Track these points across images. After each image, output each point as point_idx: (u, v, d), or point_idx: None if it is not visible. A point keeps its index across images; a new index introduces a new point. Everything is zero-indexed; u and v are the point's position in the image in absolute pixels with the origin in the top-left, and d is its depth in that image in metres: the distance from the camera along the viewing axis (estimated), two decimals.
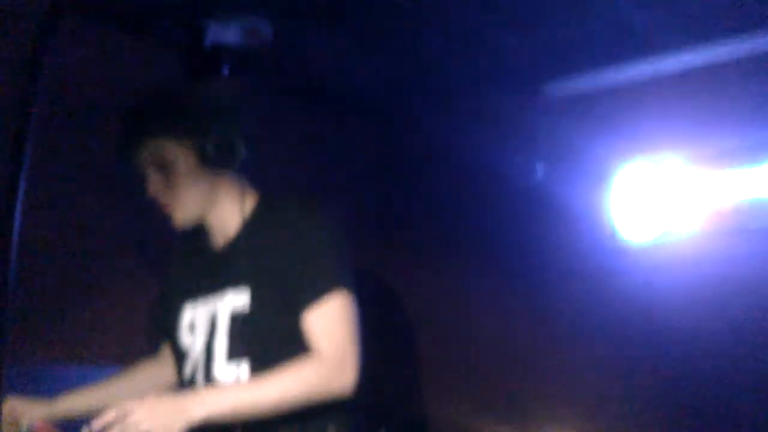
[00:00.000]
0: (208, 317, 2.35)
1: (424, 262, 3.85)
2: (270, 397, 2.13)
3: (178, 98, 2.36)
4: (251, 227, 2.36)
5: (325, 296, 2.21)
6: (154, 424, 1.98)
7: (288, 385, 2.15)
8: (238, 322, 2.28)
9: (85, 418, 2.12)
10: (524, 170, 3.34)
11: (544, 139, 3.33)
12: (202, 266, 2.45)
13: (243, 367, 2.25)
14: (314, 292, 2.21)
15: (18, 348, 2.58)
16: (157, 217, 2.47)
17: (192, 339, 2.38)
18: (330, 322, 2.21)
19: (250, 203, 2.40)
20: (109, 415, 1.96)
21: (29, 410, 2.35)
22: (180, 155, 2.27)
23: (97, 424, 1.95)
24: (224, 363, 2.28)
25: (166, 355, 2.59)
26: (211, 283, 2.37)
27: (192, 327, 2.39)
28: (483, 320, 3.60)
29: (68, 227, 3.07)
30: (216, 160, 2.26)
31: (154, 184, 2.29)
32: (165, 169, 2.28)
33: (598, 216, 3.14)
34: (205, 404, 2.08)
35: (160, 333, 2.60)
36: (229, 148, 2.28)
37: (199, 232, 2.42)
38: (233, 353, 2.27)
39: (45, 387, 2.51)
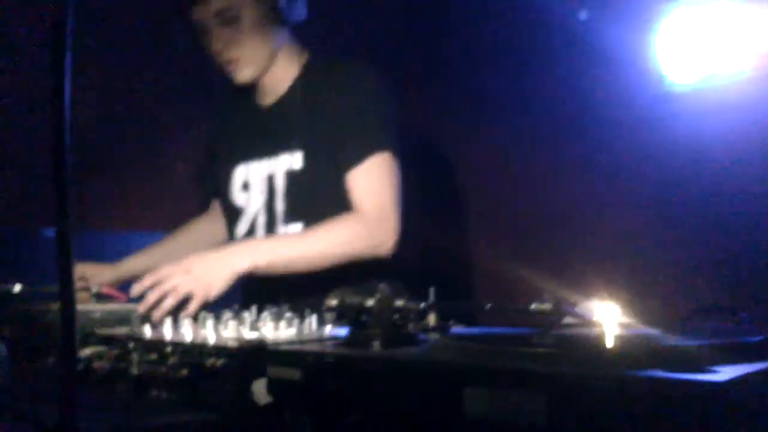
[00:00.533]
0: (265, 178, 2.40)
1: (466, 117, 3.84)
2: (312, 250, 2.17)
3: None
4: (303, 86, 2.38)
5: (369, 156, 2.24)
6: (195, 285, 1.95)
7: (330, 239, 2.19)
8: (294, 184, 2.33)
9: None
10: (568, 16, 3.27)
11: None
12: (252, 124, 2.49)
13: (299, 228, 2.31)
14: (358, 152, 2.25)
15: (80, 216, 2.72)
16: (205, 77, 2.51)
17: (247, 197, 2.44)
18: (372, 182, 2.25)
19: (300, 61, 2.42)
20: (146, 280, 1.95)
21: (97, 274, 2.46)
22: (248, 9, 2.28)
23: (136, 289, 1.95)
24: (282, 225, 2.35)
25: (216, 211, 2.68)
26: (263, 143, 2.42)
27: (246, 186, 2.45)
28: (527, 175, 3.62)
29: (122, 99, 3.14)
30: (281, 16, 2.29)
31: (220, 39, 2.29)
32: (232, 23, 2.27)
33: (644, 61, 3.08)
34: (247, 255, 2.09)
35: (210, 190, 2.68)
36: (294, 3, 2.30)
37: (244, 90, 2.44)
38: (291, 215, 2.34)
39: (106, 252, 2.62)
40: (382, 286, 1.30)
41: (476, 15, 3.83)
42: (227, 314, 1.58)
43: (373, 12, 3.92)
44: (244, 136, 2.51)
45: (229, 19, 2.26)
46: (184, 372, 1.37)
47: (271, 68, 2.39)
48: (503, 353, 1.10)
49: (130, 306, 1.95)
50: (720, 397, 0.90)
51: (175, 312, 1.81)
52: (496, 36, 3.71)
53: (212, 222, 2.72)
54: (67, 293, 1.07)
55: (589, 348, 1.12)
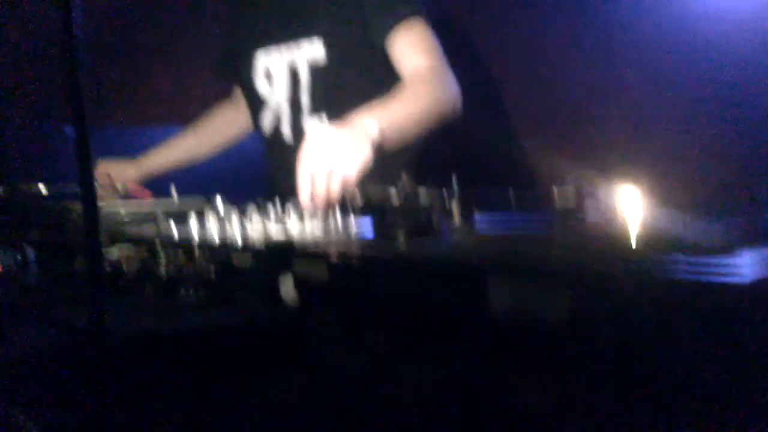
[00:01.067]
0: (287, 68, 2.35)
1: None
2: (414, 114, 2.02)
3: None
4: None
5: (407, 20, 2.19)
6: (346, 158, 1.72)
7: (424, 101, 2.08)
8: (317, 74, 2.29)
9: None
10: None
11: None
12: (271, 8, 2.41)
13: (324, 120, 2.29)
14: (395, 17, 2.19)
15: (98, 112, 2.72)
16: None
17: (270, 89, 2.40)
18: (419, 40, 2.20)
19: None
20: (303, 181, 1.72)
21: (121, 171, 2.47)
22: None
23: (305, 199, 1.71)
24: (307, 116, 2.33)
25: (239, 99, 2.64)
26: (282, 27, 2.36)
27: (269, 76, 2.40)
28: (547, 54, 3.56)
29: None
30: None
31: None
32: None
33: None
34: (379, 122, 1.85)
35: (231, 77, 2.63)
36: None
37: None
38: (315, 106, 2.30)
39: (128, 147, 2.62)
40: (406, 178, 1.30)
41: None
42: (251, 208, 1.59)
43: None
44: (265, 21, 2.43)
45: None
46: (211, 271, 1.38)
47: None
48: (525, 243, 1.10)
49: (155, 203, 1.96)
50: (747, 283, 0.90)
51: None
52: None
53: (236, 110, 2.69)
54: (88, 193, 1.07)
55: (613, 235, 1.12)
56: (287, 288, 1.27)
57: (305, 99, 2.32)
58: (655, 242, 1.02)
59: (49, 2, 2.68)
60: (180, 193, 1.99)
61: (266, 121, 2.42)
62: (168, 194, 1.98)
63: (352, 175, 1.69)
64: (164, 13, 3.19)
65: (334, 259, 1.21)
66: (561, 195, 1.21)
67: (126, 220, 1.79)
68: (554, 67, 3.51)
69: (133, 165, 2.51)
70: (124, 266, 1.53)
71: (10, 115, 2.80)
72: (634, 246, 1.03)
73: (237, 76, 2.54)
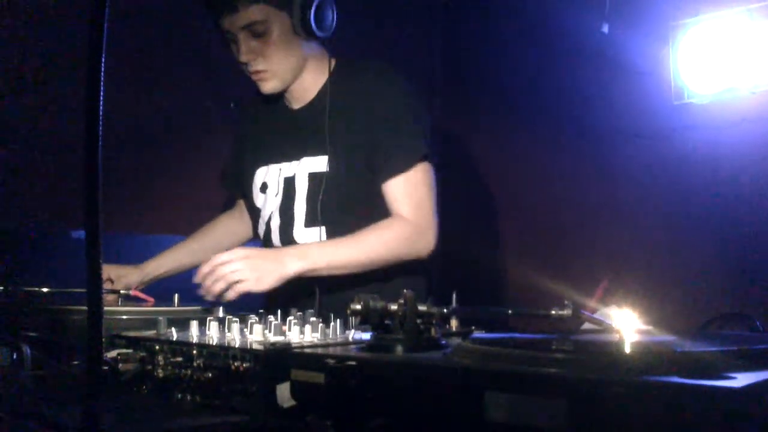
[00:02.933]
0: (283, 180, 2.42)
1: (488, 124, 3.87)
2: (361, 255, 2.23)
3: None
4: (332, 91, 2.38)
5: (411, 167, 2.29)
6: (248, 274, 2.07)
7: (377, 243, 2.25)
8: (317, 186, 2.34)
9: None
10: (590, 28, 3.29)
11: None
12: (279, 128, 2.50)
13: (320, 232, 2.34)
14: (399, 161, 2.29)
15: (116, 218, 2.76)
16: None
17: (264, 199, 2.47)
18: (414, 189, 2.30)
19: (326, 67, 2.42)
20: (206, 266, 2.08)
21: (123, 275, 2.49)
22: (277, 21, 2.28)
23: (198, 277, 2.07)
24: (302, 228, 2.38)
25: (242, 210, 2.70)
26: (288, 147, 2.44)
27: (264, 187, 2.48)
28: (545, 183, 3.65)
29: (148, 107, 3.18)
30: (310, 30, 2.28)
31: (248, 50, 2.30)
32: (260, 36, 2.29)
33: (663, 73, 3.11)
34: (301, 259, 2.16)
35: (235, 190, 2.70)
36: (323, 16, 2.30)
37: (272, 96, 2.46)
38: (312, 218, 2.35)
39: (127, 254, 2.64)
40: (406, 291, 1.33)
41: (500, 27, 3.87)
42: (252, 318, 1.61)
43: (392, 18, 3.96)
44: (270, 139, 2.52)
45: (258, 31, 2.28)
46: (209, 375, 1.39)
47: (300, 78, 2.41)
48: (524, 358, 1.12)
49: (157, 309, 1.97)
50: (736, 404, 0.92)
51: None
52: (519, 47, 3.74)
53: (238, 220, 2.75)
54: (95, 295, 1.08)
55: (607, 354, 1.14)
56: (282, 393, 1.28)
57: (299, 209, 2.38)
58: (650, 364, 1.04)
59: (67, 106, 2.76)
60: (183, 301, 2.01)
61: (260, 232, 2.50)
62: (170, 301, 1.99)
63: (250, 287, 2.07)
64: (174, 130, 3.28)
65: (331, 368, 1.22)
66: (560, 315, 1.24)
67: (126, 322, 1.80)
68: (557, 197, 3.59)
69: (135, 270, 2.54)
70: (122, 367, 1.54)
71: (18, 218, 2.84)
72: (629, 366, 1.04)
73: (240, 189, 2.62)
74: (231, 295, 2.05)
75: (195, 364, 1.43)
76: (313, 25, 2.27)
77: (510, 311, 1.32)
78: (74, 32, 2.77)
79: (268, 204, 2.46)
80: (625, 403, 0.94)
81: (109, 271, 2.45)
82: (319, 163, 2.36)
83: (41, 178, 2.91)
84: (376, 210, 2.32)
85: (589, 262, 3.33)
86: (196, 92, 3.30)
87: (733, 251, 2.93)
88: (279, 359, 1.31)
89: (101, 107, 1.08)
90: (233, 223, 2.76)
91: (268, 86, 2.37)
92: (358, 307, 1.34)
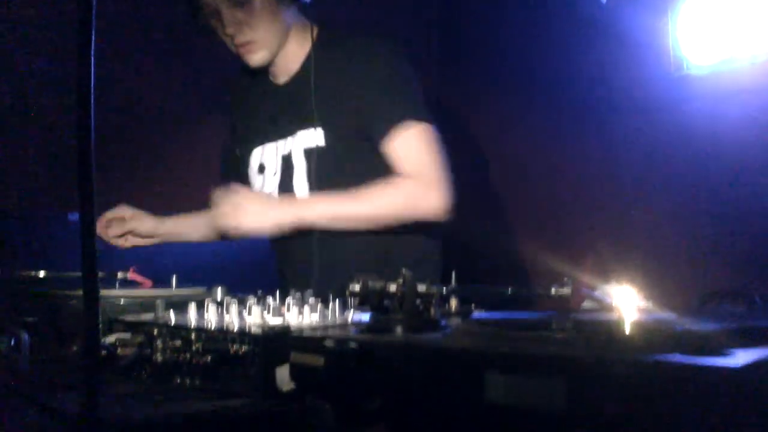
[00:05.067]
0: (280, 157, 2.39)
1: (485, 98, 3.85)
2: (362, 210, 2.21)
3: None
4: (318, 62, 2.33)
5: (406, 122, 2.22)
6: (244, 219, 2.09)
7: (379, 199, 2.21)
8: (313, 162, 2.31)
9: None
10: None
11: None
12: (266, 105, 2.47)
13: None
14: (394, 118, 2.23)
15: (113, 200, 2.75)
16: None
17: (262, 180, 2.44)
18: (415, 146, 2.24)
19: (311, 37, 2.37)
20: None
21: (137, 218, 2.50)
22: None
23: None
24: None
25: None
26: (279, 123, 2.40)
27: (261, 168, 2.45)
28: (546, 160, 3.63)
29: (145, 90, 3.17)
30: None
31: (231, 22, 2.25)
32: (243, 5, 2.24)
33: (662, 44, 3.09)
34: (297, 209, 2.17)
35: (233, 173, 2.65)
36: None
37: (257, 71, 2.42)
38: (314, 191, 2.32)
39: None
40: (406, 271, 1.32)
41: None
42: (251, 300, 1.60)
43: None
44: (260, 118, 2.49)
45: (241, 1, 2.23)
46: (208, 358, 1.39)
47: (283, 49, 2.37)
48: (523, 338, 1.11)
49: (154, 292, 1.97)
50: (736, 381, 0.91)
51: None
52: (517, 19, 3.72)
53: None
54: (91, 279, 1.08)
55: (607, 332, 1.13)
56: (281, 376, 1.27)
57: (300, 186, 2.35)
58: (650, 341, 1.03)
59: (60, 90, 2.75)
60: (181, 283, 2.00)
61: None
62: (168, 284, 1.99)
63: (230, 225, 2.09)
64: (168, 110, 3.27)
65: (330, 350, 1.21)
66: (560, 294, 1.23)
67: (124, 307, 1.79)
68: (556, 172, 3.58)
69: (151, 219, 2.54)
70: (120, 352, 1.53)
71: (13, 201, 2.83)
72: (629, 344, 1.04)
73: (238, 171, 2.59)
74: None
75: (194, 347, 1.42)
76: None
77: (509, 290, 1.31)
78: (67, 15, 2.75)
79: (267, 184, 2.43)
80: (625, 382, 0.94)
81: (125, 209, 2.44)
82: (313, 137, 2.32)
83: (36, 161, 2.90)
84: (378, 179, 2.28)
85: (588, 238, 3.32)
86: (192, 76, 3.28)
87: (733, 225, 2.92)
88: (278, 342, 1.30)
89: (93, 89, 1.07)
90: None
91: (257, 58, 2.32)
92: (357, 288, 1.33)
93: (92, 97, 1.08)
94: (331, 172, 2.30)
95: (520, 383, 1.01)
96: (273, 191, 2.41)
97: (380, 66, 2.28)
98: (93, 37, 1.07)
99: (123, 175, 3.03)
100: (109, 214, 2.49)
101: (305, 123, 2.33)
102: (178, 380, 1.43)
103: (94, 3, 1.05)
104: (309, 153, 2.33)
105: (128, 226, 2.48)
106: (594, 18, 3.27)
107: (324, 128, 2.30)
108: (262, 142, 2.46)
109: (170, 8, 3.10)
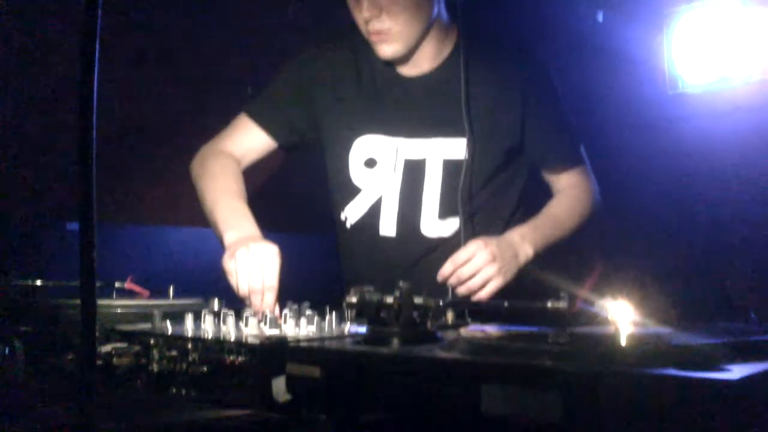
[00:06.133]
0: (404, 160, 2.19)
1: None
2: (568, 231, 2.27)
3: None
4: (465, 66, 2.15)
5: (579, 167, 2.35)
6: (497, 274, 1.96)
7: (574, 217, 2.29)
8: (452, 174, 2.14)
9: None
10: (584, 17, 3.29)
11: None
12: (387, 96, 2.23)
13: (452, 224, 2.17)
14: (567, 162, 2.33)
15: (111, 210, 2.74)
16: None
17: (370, 176, 2.22)
18: (581, 180, 2.36)
19: (452, 36, 2.22)
20: (449, 266, 1.94)
21: None
22: None
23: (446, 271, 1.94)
24: (435, 219, 2.18)
25: (245, 146, 2.33)
26: (406, 120, 2.19)
27: (372, 163, 2.22)
28: (539, 174, 3.64)
29: (145, 97, 3.17)
30: None
31: (372, 4, 2.03)
32: None
33: (657, 62, 3.11)
34: (530, 245, 2.11)
35: (270, 128, 2.31)
36: None
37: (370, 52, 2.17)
38: (449, 209, 2.16)
39: (127, 246, 2.60)
40: (403, 283, 1.32)
41: (493, 15, 3.85)
42: (248, 311, 1.60)
43: None
44: (375, 107, 2.22)
45: None
46: (204, 368, 1.39)
47: (423, 43, 2.15)
48: (519, 351, 1.12)
49: (152, 302, 1.96)
50: (732, 395, 0.92)
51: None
52: (514, 38, 3.73)
53: (240, 169, 2.32)
54: (88, 288, 1.08)
55: (603, 346, 1.14)
56: (278, 387, 1.28)
57: (431, 197, 2.17)
58: (646, 356, 1.04)
59: (59, 99, 2.75)
60: (178, 293, 2.00)
61: (356, 211, 2.25)
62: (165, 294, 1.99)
63: (500, 286, 1.95)
64: (175, 120, 3.27)
65: (327, 361, 1.22)
66: (556, 308, 1.24)
67: (121, 316, 1.79)
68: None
69: None
70: (116, 361, 1.53)
71: (10, 209, 2.82)
72: (625, 358, 1.04)
73: (273, 128, 2.29)
74: (484, 294, 1.90)
75: (190, 358, 1.42)
76: None
77: (506, 304, 1.32)
78: (69, 21, 2.76)
79: (379, 184, 2.20)
80: (621, 396, 0.94)
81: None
82: (456, 148, 2.14)
83: (35, 170, 2.90)
84: (516, 193, 2.31)
85: (583, 253, 3.33)
86: (194, 82, 3.28)
87: (729, 241, 2.93)
88: (274, 353, 1.30)
89: (95, 97, 1.08)
90: (240, 177, 2.29)
91: (389, 50, 2.09)
92: (354, 299, 1.34)
93: (94, 106, 1.08)
94: (473, 186, 2.16)
95: (517, 396, 1.02)
96: (388, 194, 2.20)
97: (546, 93, 2.26)
98: (97, 48, 1.08)
99: (122, 184, 3.03)
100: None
101: (447, 130, 2.15)
102: (174, 390, 1.43)
103: (99, 15, 1.06)
104: (449, 164, 2.15)
105: None
106: (590, 36, 3.28)
107: (470, 140, 2.11)
108: (373, 132, 2.21)
109: (175, 16, 3.12)
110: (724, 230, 2.94)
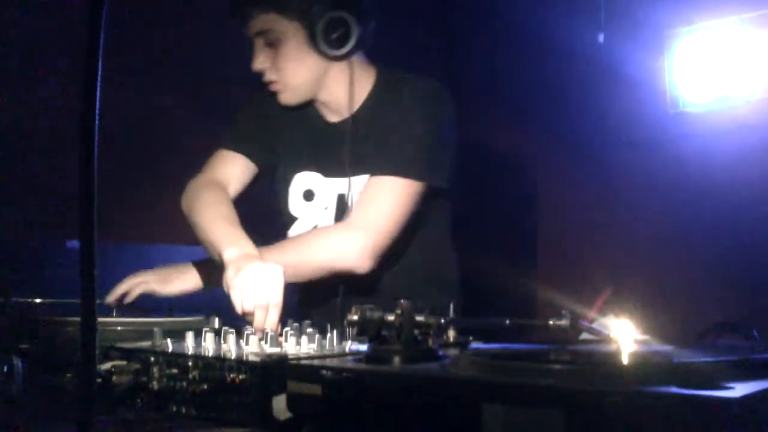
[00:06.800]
0: (335, 195, 2.31)
1: (484, 134, 3.87)
2: (288, 260, 2.04)
3: None
4: (372, 107, 2.26)
5: (387, 175, 2.14)
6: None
7: (306, 248, 2.13)
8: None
9: None
10: (586, 38, 3.31)
11: (605, 6, 3.29)
12: (316, 139, 2.35)
13: None
14: (383, 167, 2.15)
15: (114, 229, 2.74)
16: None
17: (307, 209, 2.35)
18: (378, 197, 2.14)
19: (368, 82, 2.30)
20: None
21: (143, 286, 2.31)
22: (289, 32, 2.15)
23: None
24: None
25: (232, 176, 2.43)
26: (331, 160, 2.30)
27: (309, 195, 2.35)
28: (543, 193, 3.65)
29: (148, 115, 3.18)
30: (328, 42, 2.13)
31: (261, 59, 2.19)
32: (272, 44, 2.17)
33: (658, 82, 3.12)
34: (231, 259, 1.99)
35: (252, 155, 2.44)
36: (343, 29, 2.13)
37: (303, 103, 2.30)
38: None
39: (126, 264, 2.58)
40: (403, 301, 1.32)
41: (497, 36, 3.87)
42: (249, 329, 1.60)
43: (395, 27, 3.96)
44: (305, 148, 2.37)
45: (270, 40, 2.17)
46: (205, 386, 1.38)
47: (325, 90, 2.27)
48: (521, 369, 1.11)
49: (152, 320, 1.96)
50: (734, 414, 0.91)
51: None
52: (516, 57, 3.75)
53: (227, 197, 2.40)
54: (89, 306, 1.07)
55: (605, 365, 1.13)
56: (279, 405, 1.27)
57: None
58: (648, 374, 1.03)
59: (60, 116, 2.76)
60: (179, 311, 2.00)
61: (293, 234, 2.36)
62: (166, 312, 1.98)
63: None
64: (173, 139, 3.28)
65: (328, 379, 1.21)
66: (558, 326, 1.23)
67: (120, 334, 1.79)
68: (553, 206, 3.59)
69: (162, 281, 2.32)
70: (116, 379, 1.53)
71: (10, 227, 2.83)
72: (627, 376, 1.04)
73: (256, 156, 2.42)
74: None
75: (190, 376, 1.41)
76: (321, 41, 2.13)
77: (508, 321, 1.32)
78: (71, 41, 2.78)
79: (314, 215, 2.34)
80: (623, 414, 0.94)
81: (132, 283, 2.31)
82: (362, 184, 2.23)
83: (35, 187, 2.91)
84: (430, 226, 2.28)
85: (586, 271, 3.33)
86: (196, 101, 3.30)
87: (730, 259, 2.94)
88: (275, 371, 1.30)
89: (97, 115, 1.08)
90: (229, 204, 2.36)
91: (282, 98, 2.26)
92: (355, 317, 1.33)
93: (96, 125, 1.08)
94: None
95: (518, 414, 1.01)
96: (321, 224, 2.32)
97: (413, 116, 2.20)
98: (100, 66, 1.08)
99: (121, 203, 3.04)
100: (118, 292, 2.31)
101: (359, 168, 2.23)
102: (174, 408, 1.43)
103: (103, 31, 1.06)
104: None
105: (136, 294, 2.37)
106: (592, 57, 3.30)
107: (369, 176, 2.20)
108: (309, 170, 2.35)
109: (176, 32, 3.14)
110: (725, 249, 2.94)
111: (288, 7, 2.14)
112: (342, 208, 2.28)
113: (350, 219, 2.15)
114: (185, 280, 2.36)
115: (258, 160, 2.43)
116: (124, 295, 2.29)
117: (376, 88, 2.29)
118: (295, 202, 2.37)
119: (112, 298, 2.27)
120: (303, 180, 2.36)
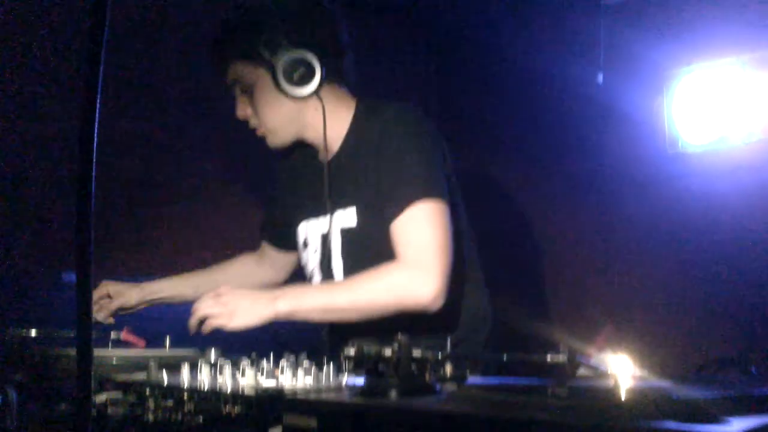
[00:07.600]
0: (320, 236, 2.35)
1: (483, 174, 3.88)
2: (353, 299, 2.10)
3: (251, 20, 2.22)
4: (354, 140, 2.29)
5: (408, 206, 2.12)
6: (220, 310, 2.03)
7: (370, 289, 2.11)
8: (349, 242, 2.27)
9: None
10: (585, 78, 3.33)
11: (604, 46, 3.31)
12: (312, 181, 2.40)
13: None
14: (397, 203, 2.13)
15: (110, 263, 2.74)
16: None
17: (306, 256, 2.41)
18: (414, 230, 2.12)
19: (348, 114, 2.32)
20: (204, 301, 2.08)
21: (122, 292, 2.45)
22: (257, 79, 2.20)
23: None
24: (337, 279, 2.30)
25: (266, 256, 2.64)
26: (321, 200, 2.33)
27: (305, 244, 2.41)
28: (542, 231, 3.66)
29: (144, 152, 3.20)
30: (291, 82, 2.15)
31: (241, 106, 2.27)
32: (247, 92, 2.24)
33: (657, 122, 3.14)
34: (291, 299, 2.08)
35: (275, 243, 2.62)
36: (304, 68, 2.15)
37: (304, 145, 2.37)
38: (350, 274, 2.25)
39: None
40: (401, 336, 1.31)
41: (495, 76, 3.90)
42: (245, 361, 1.59)
43: (386, 65, 3.98)
44: (306, 193, 2.43)
45: (244, 88, 2.24)
46: (200, 419, 1.37)
47: (309, 129, 2.30)
48: (519, 404, 1.11)
49: (147, 352, 1.95)
50: None
51: None
52: (515, 97, 3.78)
53: (256, 263, 2.67)
54: (84, 338, 1.07)
55: (603, 399, 1.13)
56: None
57: (337, 266, 2.30)
58: (646, 409, 1.03)
59: (57, 147, 2.76)
60: (174, 344, 1.99)
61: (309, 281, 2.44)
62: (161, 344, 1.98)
63: (220, 324, 2.04)
64: (177, 169, 3.29)
65: (324, 413, 1.20)
66: (555, 361, 1.23)
67: (116, 366, 1.78)
68: (552, 243, 3.60)
69: (135, 288, 2.48)
70: (111, 411, 1.52)
71: (5, 259, 2.82)
72: (625, 411, 1.03)
73: (280, 242, 2.59)
74: (205, 329, 2.05)
75: (186, 408, 1.41)
76: (283, 83, 2.15)
77: (505, 356, 1.31)
78: (68, 70, 2.81)
79: (310, 261, 2.39)
80: None
81: (108, 287, 2.42)
82: (348, 217, 2.27)
83: (31, 219, 2.91)
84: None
85: (584, 309, 3.32)
86: (193, 132, 3.31)
87: (728, 297, 2.93)
88: (271, 404, 1.29)
89: (95, 147, 1.08)
90: (250, 264, 2.67)
91: (268, 142, 2.31)
92: (352, 351, 1.33)
93: (94, 153, 1.08)
94: (364, 253, 2.23)
95: None
96: (314, 268, 2.38)
97: (397, 140, 2.19)
98: (98, 96, 1.08)
99: (118, 236, 3.04)
100: (96, 295, 2.44)
101: (342, 202, 2.27)
102: None
103: (102, 57, 1.07)
104: (345, 232, 2.28)
105: (115, 305, 2.43)
106: (591, 97, 3.32)
107: (356, 207, 2.25)
108: (306, 218, 2.41)
109: (183, 66, 3.16)
110: (723, 287, 2.94)
111: (251, 54, 2.18)
112: (326, 249, 2.31)
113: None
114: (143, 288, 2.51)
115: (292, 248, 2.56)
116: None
117: (356, 119, 2.31)
118: (301, 251, 2.45)
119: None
120: (302, 230, 2.43)
